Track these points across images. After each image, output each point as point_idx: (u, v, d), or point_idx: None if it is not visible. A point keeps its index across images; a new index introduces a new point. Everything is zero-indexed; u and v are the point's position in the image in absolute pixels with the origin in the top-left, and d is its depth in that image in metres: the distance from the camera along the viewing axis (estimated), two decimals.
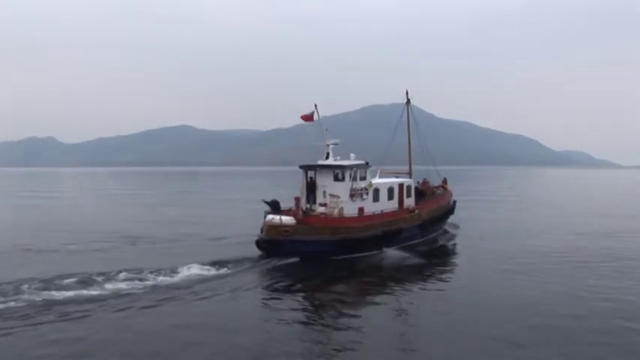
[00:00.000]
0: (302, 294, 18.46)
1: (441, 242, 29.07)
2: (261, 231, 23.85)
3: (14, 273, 19.32)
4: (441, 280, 20.73)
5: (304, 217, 23.90)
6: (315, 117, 26.08)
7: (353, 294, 18.94)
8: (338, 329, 14.43)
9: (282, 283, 19.60)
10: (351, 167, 25.28)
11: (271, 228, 23.18)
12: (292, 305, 16.93)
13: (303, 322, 15.24)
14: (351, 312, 16.20)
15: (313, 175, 25.92)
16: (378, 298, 17.75)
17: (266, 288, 19.05)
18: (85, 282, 18.14)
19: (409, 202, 28.59)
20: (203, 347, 12.82)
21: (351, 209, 24.61)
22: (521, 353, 12.38)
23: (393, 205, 27.37)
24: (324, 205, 24.86)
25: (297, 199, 25.12)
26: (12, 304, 15.78)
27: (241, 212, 46.46)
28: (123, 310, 15.63)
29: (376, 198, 26.35)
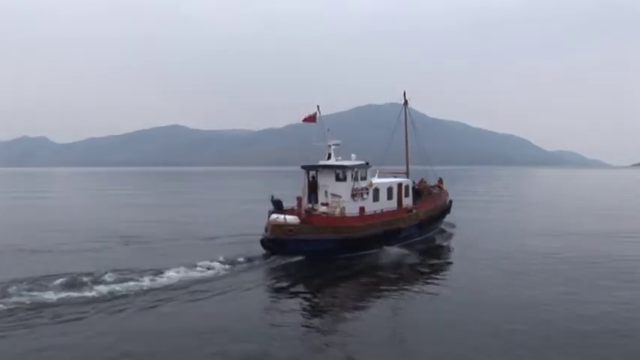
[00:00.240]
0: (302, 294, 18.28)
1: (438, 241, 29.33)
2: (266, 230, 24.06)
3: (7, 274, 19.05)
4: (441, 279, 20.64)
5: (307, 217, 24.13)
6: (317, 118, 26.09)
7: (353, 294, 18.79)
8: (338, 330, 14.32)
9: (282, 283, 19.46)
10: (352, 167, 25.50)
11: (276, 227, 23.41)
12: (292, 306, 16.76)
13: (303, 322, 15.13)
14: (351, 312, 16.09)
15: (315, 175, 26.12)
16: (378, 298, 17.65)
17: (265, 288, 18.87)
18: (81, 283, 17.74)
19: (407, 201, 28.90)
20: (203, 349, 12.63)
21: (352, 209, 24.82)
22: (522, 353, 12.31)
23: (392, 204, 27.61)
24: (326, 204, 25.08)
25: (299, 199, 25.43)
26: (1, 306, 15.37)
27: (235, 212, 46.43)
28: (120, 311, 15.32)
29: (376, 198, 26.56)
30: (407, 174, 30.98)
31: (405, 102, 32.49)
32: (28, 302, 15.79)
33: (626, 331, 13.81)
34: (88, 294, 16.77)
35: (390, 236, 25.13)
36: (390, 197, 27.57)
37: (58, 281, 17.82)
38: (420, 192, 30.89)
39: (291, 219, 23.53)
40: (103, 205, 59.84)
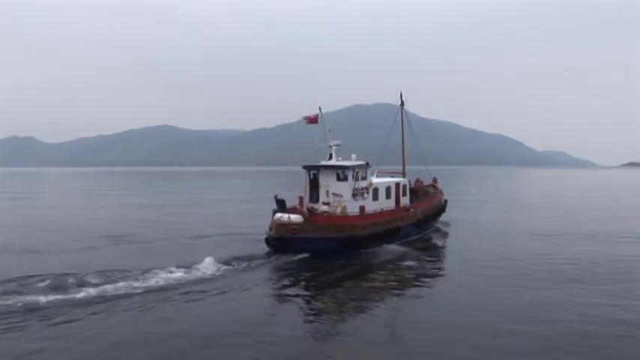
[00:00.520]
0: (302, 294, 18.16)
1: (434, 240, 29.74)
2: (270, 229, 24.46)
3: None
4: (440, 279, 20.67)
5: (310, 216, 24.52)
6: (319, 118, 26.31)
7: (353, 294, 18.63)
8: (338, 330, 14.27)
9: (281, 283, 19.39)
10: (353, 167, 26.02)
11: (280, 226, 23.84)
12: (292, 305, 16.69)
13: (303, 322, 15.10)
14: (351, 312, 16.06)
15: (316, 175, 26.49)
16: (378, 298, 17.58)
17: (265, 288, 18.75)
18: (77, 284, 17.43)
19: (405, 200, 29.47)
20: (203, 350, 12.46)
21: (353, 208, 25.30)
22: (522, 353, 12.29)
23: (391, 203, 28.15)
24: (327, 204, 25.54)
25: (301, 198, 26.07)
26: None
27: (232, 212, 46.24)
28: (118, 312, 15.07)
29: (375, 197, 27.07)
30: (403, 174, 31.46)
31: (402, 103, 33.02)
32: (17, 304, 15.38)
33: (625, 331, 13.80)
34: (86, 295, 16.43)
35: (390, 235, 25.71)
36: (388, 197, 28.09)
37: (47, 282, 17.50)
38: (416, 191, 31.47)
39: (295, 218, 23.98)
40: (95, 205, 59.34)
